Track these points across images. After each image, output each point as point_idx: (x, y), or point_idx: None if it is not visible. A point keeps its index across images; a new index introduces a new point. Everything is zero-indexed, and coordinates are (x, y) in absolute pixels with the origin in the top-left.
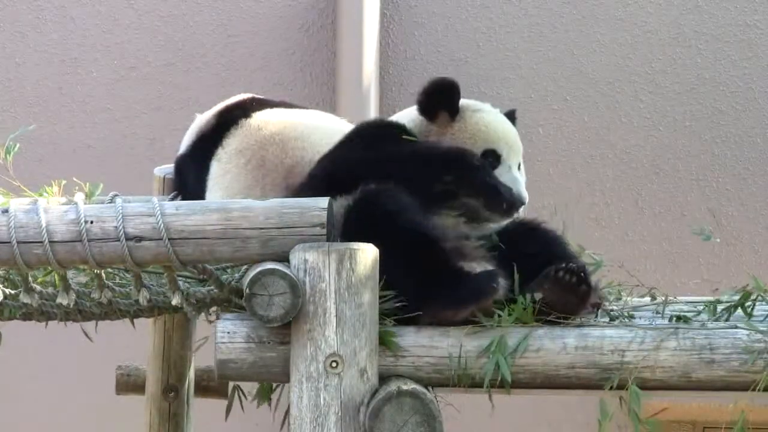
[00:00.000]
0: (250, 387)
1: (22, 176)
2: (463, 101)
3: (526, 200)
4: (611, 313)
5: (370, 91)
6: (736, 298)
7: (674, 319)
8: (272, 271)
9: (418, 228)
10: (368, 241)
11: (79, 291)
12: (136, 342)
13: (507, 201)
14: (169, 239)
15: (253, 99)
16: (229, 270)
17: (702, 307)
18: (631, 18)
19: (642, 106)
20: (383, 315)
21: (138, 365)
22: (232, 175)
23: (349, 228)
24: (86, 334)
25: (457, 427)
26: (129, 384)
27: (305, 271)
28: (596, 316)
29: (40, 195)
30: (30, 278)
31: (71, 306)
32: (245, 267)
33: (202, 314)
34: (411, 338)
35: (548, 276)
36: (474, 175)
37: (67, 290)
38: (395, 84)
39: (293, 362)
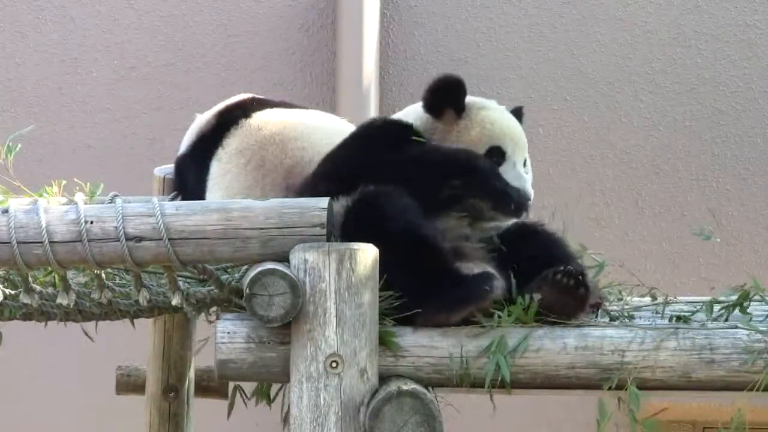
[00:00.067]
0: (251, 387)
1: (22, 176)
2: (468, 98)
3: (532, 197)
4: (611, 313)
5: (370, 91)
6: (734, 297)
7: (674, 319)
8: (272, 271)
9: (414, 230)
10: (366, 243)
11: (79, 291)
12: (136, 342)
13: (515, 202)
14: (169, 239)
15: (253, 99)
16: (229, 270)
17: (700, 307)
18: (631, 18)
19: (642, 106)
20: (383, 315)
21: (138, 365)
22: (232, 175)
23: (348, 229)
24: (86, 334)
25: (457, 427)
26: (129, 384)
27: (305, 271)
28: (596, 316)
29: (40, 195)
30: (30, 278)
31: (71, 306)
32: (245, 267)
33: (202, 314)
34: (411, 338)
35: (546, 278)
36: (482, 178)
37: (67, 290)
38: (395, 84)
39: (293, 362)
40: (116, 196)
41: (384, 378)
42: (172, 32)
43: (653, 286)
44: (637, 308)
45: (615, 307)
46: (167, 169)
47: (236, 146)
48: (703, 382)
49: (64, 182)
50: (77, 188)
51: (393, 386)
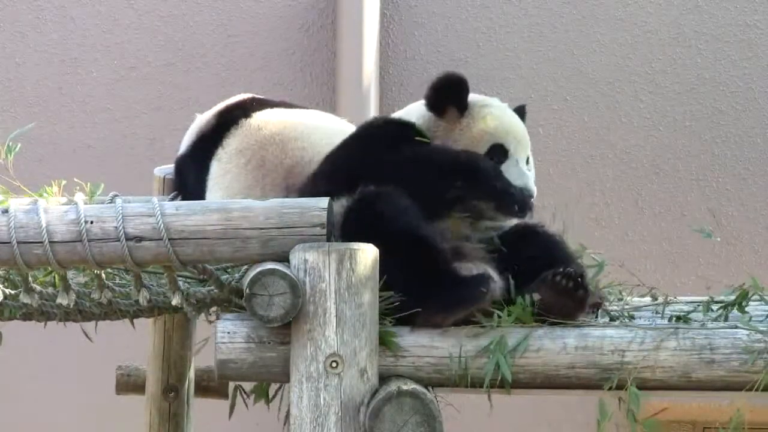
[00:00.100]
0: (251, 387)
1: (22, 176)
2: (471, 96)
3: (535, 194)
4: (611, 313)
5: (370, 91)
6: (732, 297)
7: (674, 319)
8: (272, 271)
9: (413, 231)
10: (366, 243)
11: (79, 291)
12: (136, 342)
13: (519, 203)
14: (169, 239)
15: (253, 99)
16: (229, 270)
17: (698, 307)
18: (631, 18)
19: (642, 106)
20: (383, 315)
21: (138, 365)
22: (232, 175)
23: (348, 229)
24: (86, 335)
25: (457, 427)
26: (129, 384)
27: (305, 271)
28: (597, 317)
29: (40, 195)
30: (30, 278)
31: (71, 306)
32: (245, 267)
33: (202, 314)
34: (411, 338)
35: (546, 280)
36: (484, 180)
37: (67, 290)
38: (395, 84)
39: (293, 362)
40: (116, 196)
41: (384, 378)
42: (172, 32)
43: (653, 286)
44: (638, 308)
45: (615, 307)
46: (167, 169)
47: (236, 146)
48: (703, 382)
49: (64, 182)
50: (77, 188)
51: (393, 386)
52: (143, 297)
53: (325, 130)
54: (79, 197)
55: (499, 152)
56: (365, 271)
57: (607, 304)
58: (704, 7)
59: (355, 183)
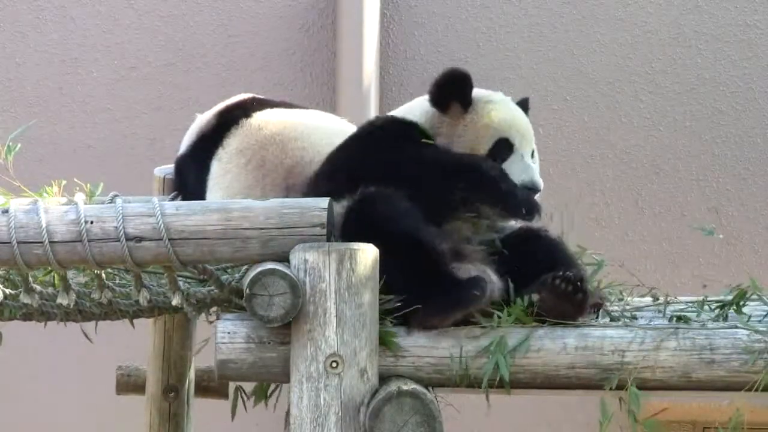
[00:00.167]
0: (252, 387)
1: (22, 176)
2: (474, 91)
3: (541, 187)
4: (612, 313)
5: (370, 91)
6: (730, 297)
7: (674, 319)
8: (272, 272)
9: (410, 233)
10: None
11: (80, 291)
12: (137, 342)
13: (526, 206)
14: (169, 239)
15: (253, 99)
16: (229, 270)
17: (694, 306)
18: (631, 18)
19: (642, 106)
20: (383, 315)
21: (138, 365)
22: (233, 175)
23: (348, 229)
24: (86, 335)
25: (457, 427)
26: (129, 384)
27: (305, 271)
28: (597, 317)
29: (40, 195)
30: (30, 278)
31: (71, 306)
32: (245, 267)
33: (203, 314)
34: (411, 338)
35: (545, 283)
36: (492, 187)
37: (67, 290)
38: (395, 84)
39: (293, 362)
40: (116, 196)
41: (384, 378)
42: (172, 32)
43: (653, 286)
44: (638, 308)
45: (616, 308)
46: (167, 169)
47: (236, 146)
48: (703, 383)
49: (64, 182)
50: (77, 188)
51: (393, 386)
52: (143, 297)
53: (325, 130)
54: (79, 197)
55: (505, 147)
56: (365, 271)
57: (607, 304)
58: (704, 7)
59: (357, 183)
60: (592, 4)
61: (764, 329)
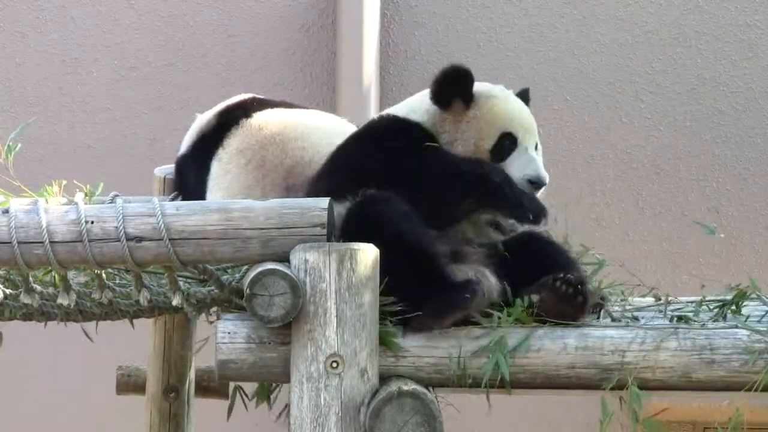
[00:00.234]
0: (251, 387)
1: (23, 176)
2: (475, 86)
3: (547, 180)
4: (613, 313)
5: (370, 91)
6: (729, 297)
7: (675, 319)
8: (273, 272)
9: (408, 236)
10: None
11: (80, 291)
12: (137, 342)
13: (533, 212)
14: (169, 239)
15: (253, 99)
16: (229, 270)
17: (693, 306)
18: (632, 18)
19: (642, 107)
20: (383, 315)
21: (138, 365)
22: (233, 175)
23: (348, 230)
24: (86, 335)
25: (457, 427)
26: (129, 384)
27: (306, 271)
28: (598, 317)
29: (41, 195)
30: (30, 278)
31: (72, 306)
32: (246, 267)
33: (203, 314)
34: (411, 338)
35: (546, 284)
36: (498, 193)
37: (67, 290)
38: (395, 84)
39: (294, 362)
40: (116, 196)
41: (384, 378)
42: (172, 32)
43: (654, 286)
44: (639, 308)
45: (617, 308)
46: (167, 169)
47: (237, 146)
48: (703, 383)
49: (64, 182)
50: (77, 188)
51: (393, 386)
52: (144, 297)
53: (325, 130)
54: (80, 197)
55: (509, 141)
56: (365, 272)
57: (608, 304)
58: (705, 8)
59: (359, 184)
60: (592, 4)
61: (764, 329)
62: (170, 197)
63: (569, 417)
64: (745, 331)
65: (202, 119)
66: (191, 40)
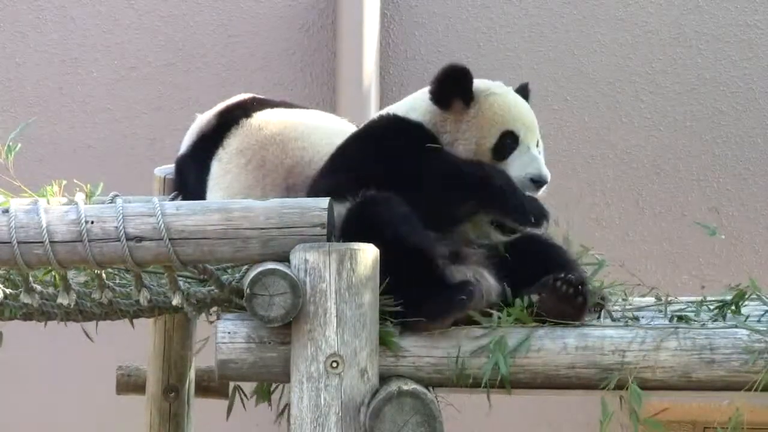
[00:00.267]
0: (251, 387)
1: (23, 176)
2: (475, 84)
3: (548, 179)
4: (613, 313)
5: (370, 91)
6: (728, 297)
7: (675, 319)
8: (273, 272)
9: (407, 238)
10: None
11: (80, 291)
12: (137, 342)
13: (535, 215)
14: (169, 239)
15: (253, 99)
16: (229, 270)
17: (694, 306)
18: (632, 18)
19: (643, 107)
20: (383, 315)
21: (138, 365)
22: (233, 175)
23: (348, 230)
24: (86, 335)
25: (457, 427)
26: (129, 384)
27: (306, 271)
28: (599, 317)
29: (41, 195)
30: (30, 278)
31: (72, 306)
32: (246, 267)
33: (203, 314)
34: (411, 338)
35: (546, 285)
36: (499, 197)
37: (67, 290)
38: (395, 84)
39: (294, 362)
40: (116, 196)
41: (384, 378)
42: (172, 32)
43: (654, 286)
44: (639, 308)
45: (617, 308)
46: (167, 169)
47: (237, 146)
48: (703, 382)
49: (64, 182)
50: (77, 188)
51: (393, 386)
52: (144, 297)
53: (325, 130)
54: (80, 197)
55: (510, 139)
56: (365, 271)
57: (608, 304)
58: (705, 8)
59: (360, 185)
60: (592, 4)
61: (764, 329)
62: (170, 197)
63: (569, 417)
64: (745, 331)
65: (202, 119)
66: (191, 40)
